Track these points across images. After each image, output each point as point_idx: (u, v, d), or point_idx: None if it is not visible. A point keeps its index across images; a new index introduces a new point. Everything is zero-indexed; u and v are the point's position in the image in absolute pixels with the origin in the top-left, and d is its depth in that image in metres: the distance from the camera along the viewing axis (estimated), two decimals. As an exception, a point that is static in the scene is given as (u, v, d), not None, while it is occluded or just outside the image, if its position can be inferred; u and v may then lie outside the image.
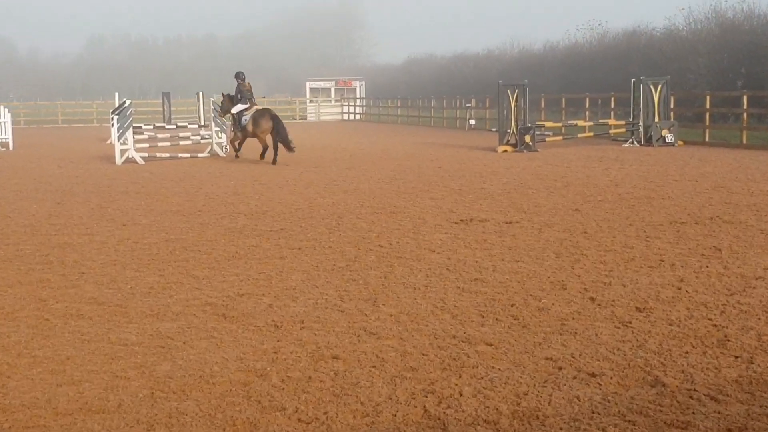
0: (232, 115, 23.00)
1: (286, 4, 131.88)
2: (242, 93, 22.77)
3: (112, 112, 23.99)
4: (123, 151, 22.27)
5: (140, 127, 24.31)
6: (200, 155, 24.29)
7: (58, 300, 7.21)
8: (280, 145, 21.23)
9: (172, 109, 39.67)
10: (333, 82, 63.11)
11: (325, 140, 32.91)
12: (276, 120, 21.51)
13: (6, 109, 30.37)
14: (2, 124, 29.77)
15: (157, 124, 27.99)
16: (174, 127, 26.77)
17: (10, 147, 29.23)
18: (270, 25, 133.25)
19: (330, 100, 61.55)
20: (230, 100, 23.09)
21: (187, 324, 6.44)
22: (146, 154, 22.84)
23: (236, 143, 22.92)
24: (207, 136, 25.10)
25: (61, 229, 11.14)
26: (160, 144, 24.24)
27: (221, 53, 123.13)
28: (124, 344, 5.92)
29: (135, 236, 10.50)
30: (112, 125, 24.03)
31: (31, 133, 43.74)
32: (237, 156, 22.91)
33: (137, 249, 9.64)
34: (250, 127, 22.03)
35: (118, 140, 22.37)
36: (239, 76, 23.08)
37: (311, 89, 62.79)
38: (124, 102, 23.18)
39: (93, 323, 6.48)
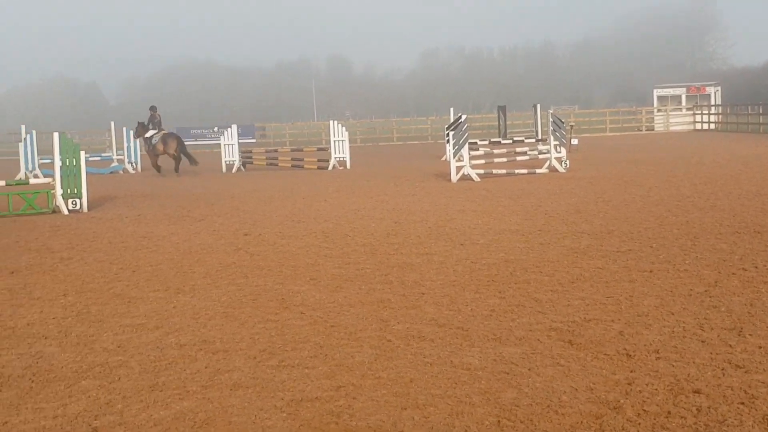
0: (145, 138, 31.33)
1: (629, 8, 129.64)
2: (153, 122, 31.12)
3: (447, 128, 24.89)
4: (458, 168, 22.99)
5: (475, 143, 24.97)
6: (538, 171, 24.47)
7: (399, 320, 7.57)
8: (183, 157, 30.32)
9: (507, 123, 40.37)
10: (684, 89, 60.93)
11: (677, 151, 31.87)
12: (179, 140, 30.76)
13: (343, 128, 32.53)
14: (340, 142, 31.90)
15: (492, 140, 28.60)
16: (510, 142, 27.22)
17: (347, 165, 31.25)
18: (611, 31, 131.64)
19: (680, 109, 59.47)
20: (143, 127, 31.39)
21: (531, 349, 6.50)
22: (482, 171, 23.43)
23: (155, 161, 30.95)
24: (545, 151, 25.26)
25: (400, 248, 11.71)
26: (495, 160, 24.76)
27: (559, 63, 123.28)
28: (467, 368, 6.09)
29: (473, 256, 10.79)
30: (447, 141, 24.93)
31: (366, 151, 46.46)
32: (159, 172, 30.69)
33: (476, 269, 9.89)
34: (160, 147, 30.48)
35: (454, 157, 23.14)
36: (152, 109, 31.53)
37: (659, 97, 61.06)
38: (460, 117, 23.93)
39: (435, 345, 6.73)
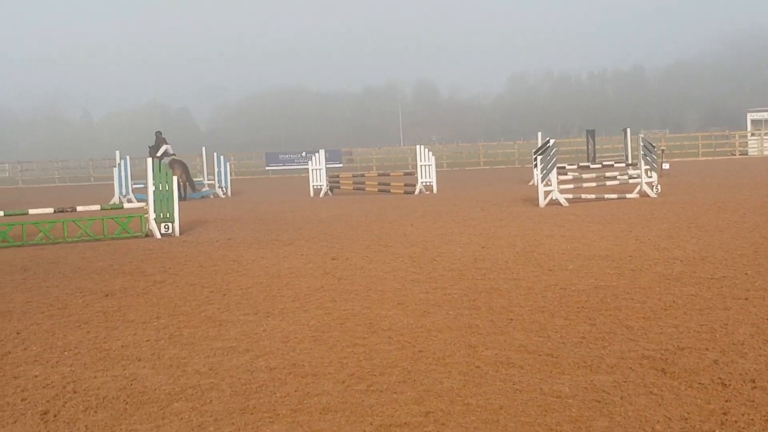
0: (156, 157, 31.93)
1: (720, 30, 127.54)
2: (158, 144, 33.75)
3: (535, 153, 24.77)
4: (546, 193, 22.83)
5: (564, 167, 24.77)
6: (628, 196, 24.14)
7: (488, 346, 7.53)
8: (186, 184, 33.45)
9: (596, 147, 39.99)
10: (779, 112, 59.49)
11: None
12: (185, 167, 33.80)
13: (430, 152, 32.62)
14: (426, 167, 31.98)
15: (581, 164, 28.34)
16: (599, 166, 26.93)
17: (434, 190, 31.29)
18: (702, 53, 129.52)
19: (775, 133, 58.04)
20: (154, 149, 33.53)
21: (623, 378, 6.40)
22: (570, 195, 23.22)
23: None
24: (635, 176, 24.92)
25: (487, 273, 11.65)
26: (584, 184, 24.52)
27: (649, 86, 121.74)
28: (558, 396, 6.02)
29: (562, 282, 10.68)
30: (535, 166, 24.79)
31: (453, 175, 46.45)
32: None
33: (565, 296, 9.79)
34: None
35: (542, 181, 22.98)
36: (158, 133, 34.45)
37: (752, 121, 59.76)
38: (548, 141, 23.79)
39: (524, 372, 6.67)
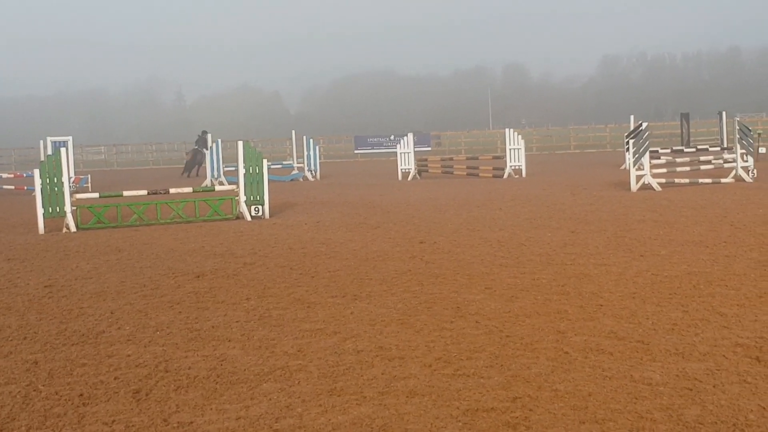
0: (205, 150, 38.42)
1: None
2: (203, 141, 40.38)
3: (627, 136, 24.37)
4: (638, 177, 22.45)
5: (657, 151, 24.32)
6: (723, 180, 23.59)
7: (577, 332, 7.45)
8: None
9: (690, 131, 39.15)
10: None
11: None
12: (195, 155, 42.18)
13: (519, 136, 32.35)
14: (516, 150, 31.74)
15: (675, 148, 27.79)
16: (693, 150, 26.38)
17: (523, 174, 31.05)
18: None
19: None
20: (201, 143, 41.25)
21: (716, 365, 6.26)
22: (663, 180, 22.79)
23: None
24: (731, 160, 24.35)
25: (576, 258, 11.52)
26: (678, 169, 24.04)
27: (745, 68, 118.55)
28: (648, 383, 5.92)
29: (654, 268, 10.49)
30: (627, 150, 24.40)
31: (542, 159, 46.02)
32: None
33: (657, 282, 9.62)
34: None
35: (633, 165, 22.61)
36: (204, 133, 41.25)
37: None
38: (640, 125, 23.38)
39: (614, 359, 6.58)
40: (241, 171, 19.34)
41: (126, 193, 20.13)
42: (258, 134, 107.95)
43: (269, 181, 20.23)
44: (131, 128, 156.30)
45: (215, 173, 34.80)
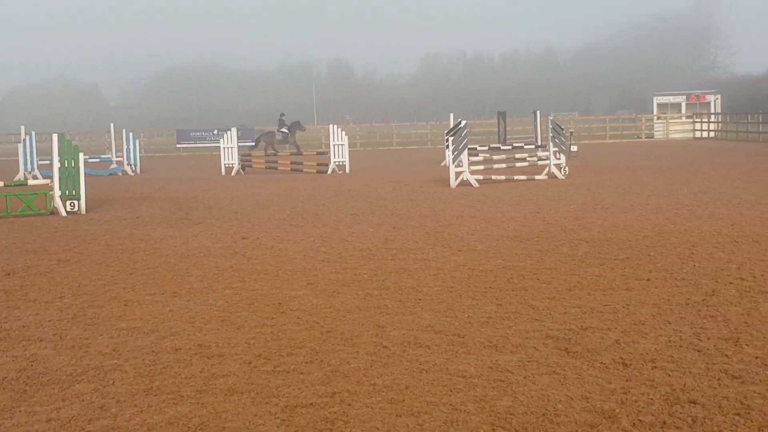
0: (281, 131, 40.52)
1: (630, 15, 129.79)
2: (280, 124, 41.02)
3: (447, 134, 24.92)
4: (457, 174, 22.99)
5: (475, 149, 24.98)
6: (537, 177, 24.47)
7: (396, 327, 7.56)
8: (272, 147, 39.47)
9: (507, 129, 40.40)
10: (684, 97, 60.90)
11: (675, 159, 31.86)
12: (263, 136, 41.32)
13: (343, 132, 32.56)
14: (339, 146, 31.93)
15: (492, 145, 28.62)
16: (509, 148, 27.24)
17: (347, 170, 31.26)
18: (612, 37, 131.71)
19: (680, 117, 59.43)
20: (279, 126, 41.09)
21: (527, 357, 6.49)
22: (481, 177, 23.43)
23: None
24: (544, 158, 25.27)
25: (397, 253, 11.69)
26: (495, 166, 24.77)
27: (560, 69, 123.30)
28: (463, 376, 6.07)
29: (471, 262, 10.78)
30: (447, 147, 24.95)
31: (366, 155, 46.47)
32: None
33: (473, 276, 9.88)
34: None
35: (453, 162, 23.14)
36: (282, 116, 41.94)
37: (659, 105, 60.99)
38: (459, 122, 23.95)
39: (431, 352, 6.71)
40: (56, 165, 18.65)
41: (-70, 187, 19.06)
42: (75, 126, 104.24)
43: (86, 175, 19.56)
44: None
45: (28, 167, 33.39)
